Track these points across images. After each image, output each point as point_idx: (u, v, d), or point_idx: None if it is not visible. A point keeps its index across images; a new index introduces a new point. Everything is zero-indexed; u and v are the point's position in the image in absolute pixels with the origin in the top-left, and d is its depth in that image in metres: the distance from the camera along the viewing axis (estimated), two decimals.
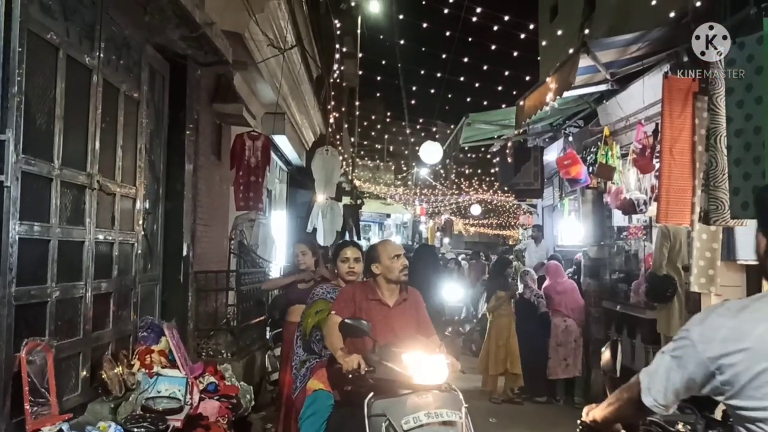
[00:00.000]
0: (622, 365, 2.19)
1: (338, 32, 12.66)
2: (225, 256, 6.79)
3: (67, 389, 3.69)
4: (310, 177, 10.13)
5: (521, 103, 6.91)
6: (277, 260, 8.86)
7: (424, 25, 12.23)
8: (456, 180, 26.90)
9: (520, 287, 7.88)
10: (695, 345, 1.54)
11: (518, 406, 7.35)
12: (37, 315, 3.40)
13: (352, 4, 14.46)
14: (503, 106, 9.81)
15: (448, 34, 12.19)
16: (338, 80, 14.02)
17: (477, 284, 11.64)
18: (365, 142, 27.48)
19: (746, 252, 4.54)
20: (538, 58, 13.21)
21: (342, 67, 14.33)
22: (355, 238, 13.50)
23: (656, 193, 5.05)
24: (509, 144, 10.24)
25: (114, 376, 3.94)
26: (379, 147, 30.51)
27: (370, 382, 3.03)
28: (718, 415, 2.26)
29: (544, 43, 12.35)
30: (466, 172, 26.15)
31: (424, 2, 12.14)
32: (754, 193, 3.58)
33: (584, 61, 5.55)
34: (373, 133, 27.56)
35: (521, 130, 9.49)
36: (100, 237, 4.04)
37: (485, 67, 12.50)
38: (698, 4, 5.03)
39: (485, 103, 12.72)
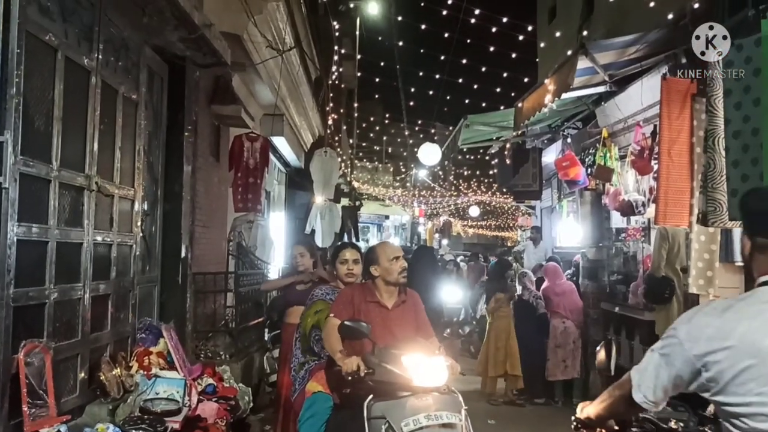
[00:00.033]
0: (620, 366, 2.19)
1: (337, 34, 12.67)
2: (223, 257, 6.79)
3: (65, 391, 3.68)
4: (309, 178, 10.13)
5: (520, 104, 6.91)
6: (276, 262, 8.85)
7: (423, 26, 12.23)
8: (454, 181, 26.92)
9: (519, 289, 7.88)
10: (682, 343, 1.61)
11: (517, 407, 7.35)
12: (36, 316, 3.40)
13: (351, 5, 14.48)
14: (502, 107, 9.83)
15: (446, 35, 12.20)
16: (337, 82, 14.02)
17: (476, 286, 11.63)
18: (364, 144, 27.50)
19: None
20: (537, 59, 13.23)
21: (341, 69, 14.34)
22: (354, 240, 13.49)
23: (654, 195, 5.06)
24: (508, 145, 10.24)
25: (112, 378, 3.94)
26: (377, 148, 30.54)
27: (369, 385, 3.02)
28: (710, 412, 2.28)
29: (542, 44, 12.37)
30: (465, 173, 26.17)
31: (422, 4, 12.16)
32: None
33: (583, 63, 5.55)
34: (371, 135, 27.58)
35: (520, 132, 9.50)
36: (99, 238, 4.04)
37: (484, 69, 12.51)
38: (696, 5, 5.04)
39: (484, 104, 12.73)
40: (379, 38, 15.88)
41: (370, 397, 2.99)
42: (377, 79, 16.21)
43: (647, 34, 5.43)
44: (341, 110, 15.02)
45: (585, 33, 9.01)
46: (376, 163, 30.60)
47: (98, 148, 3.96)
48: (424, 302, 3.79)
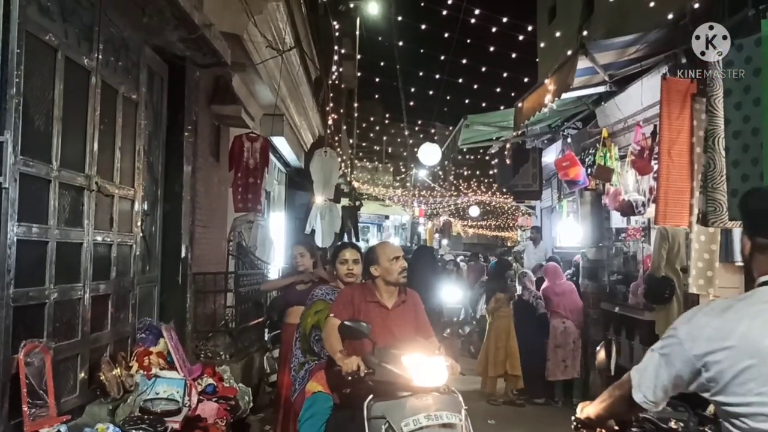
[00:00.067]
0: (620, 366, 2.20)
1: (337, 34, 12.67)
2: (223, 257, 6.79)
3: (65, 391, 3.68)
4: (309, 178, 10.13)
5: (520, 104, 6.91)
6: (276, 262, 8.85)
7: (423, 26, 12.23)
8: (454, 181, 26.93)
9: (519, 289, 7.88)
10: (682, 343, 1.61)
11: (517, 407, 7.35)
12: (36, 316, 3.40)
13: (351, 5, 14.48)
14: (502, 107, 9.83)
15: (446, 35, 12.20)
16: (337, 82, 14.03)
17: (475, 286, 11.63)
18: (364, 144, 27.51)
19: None
20: (537, 59, 13.23)
21: (341, 69, 14.34)
22: (354, 240, 13.49)
23: (654, 195, 5.06)
24: (508, 145, 10.25)
25: (112, 378, 3.94)
26: (377, 148, 30.55)
27: (369, 385, 3.02)
28: (710, 412, 2.28)
29: (542, 44, 12.37)
30: (465, 173, 26.17)
31: (422, 4, 12.16)
32: None
33: (583, 63, 5.55)
34: (371, 135, 27.59)
35: (520, 132, 9.50)
36: (99, 238, 4.04)
37: (484, 69, 12.52)
38: (696, 5, 5.03)
39: (484, 104, 12.73)
40: (379, 38, 15.91)
41: (370, 397, 2.98)
42: (377, 79, 16.23)
43: (647, 34, 5.43)
44: (341, 110, 15.02)
45: (585, 33, 9.01)
46: (376, 163, 30.61)
47: (98, 148, 3.96)
48: (424, 302, 3.79)
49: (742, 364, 1.51)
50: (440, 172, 28.65)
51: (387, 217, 31.48)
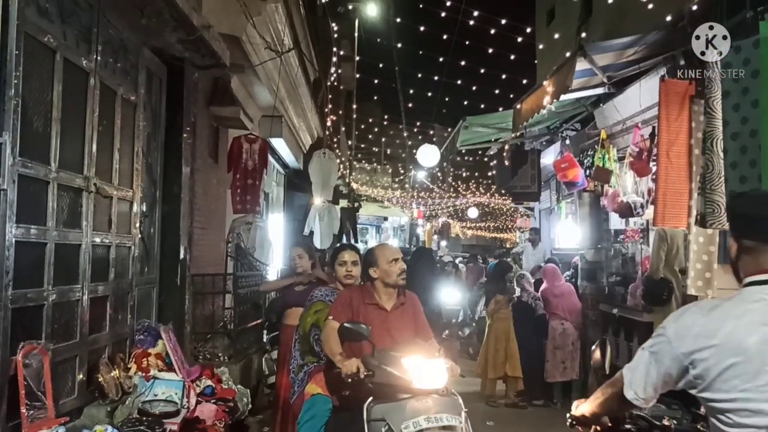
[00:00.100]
0: (617, 366, 2.20)
1: (336, 35, 12.67)
2: (222, 259, 6.78)
3: (63, 393, 3.68)
4: (308, 180, 10.13)
5: (518, 106, 6.91)
6: (274, 263, 8.84)
7: (422, 28, 12.23)
8: (453, 183, 26.90)
9: (517, 291, 7.88)
10: (671, 341, 1.67)
11: (516, 409, 7.34)
12: (34, 318, 3.39)
13: (350, 7, 14.49)
14: (500, 109, 9.82)
15: (445, 37, 12.20)
16: (336, 83, 14.03)
17: (474, 287, 11.62)
18: (362, 145, 27.50)
19: None
20: (535, 61, 13.25)
21: (339, 70, 14.34)
22: (353, 241, 13.49)
23: (653, 197, 5.06)
24: (506, 147, 10.25)
25: (111, 380, 3.93)
26: (376, 150, 30.53)
27: (369, 387, 3.01)
28: (703, 410, 2.30)
29: (541, 46, 12.39)
30: (464, 175, 26.16)
31: (421, 6, 12.16)
32: None
33: (581, 65, 5.56)
34: (370, 136, 27.56)
35: (518, 134, 9.50)
36: (97, 240, 4.04)
37: (482, 71, 12.50)
38: (695, 7, 5.04)
39: (482, 106, 12.72)
40: (378, 40, 15.86)
41: (370, 399, 2.98)
42: (376, 81, 16.19)
43: (646, 35, 5.43)
44: (340, 112, 15.03)
45: (583, 35, 9.02)
46: (375, 164, 30.60)
47: (97, 150, 3.96)
48: (423, 304, 3.79)
49: (727, 362, 1.57)
50: (439, 174, 28.62)
51: (386, 219, 31.50)
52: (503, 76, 11.99)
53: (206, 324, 6.09)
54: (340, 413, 3.30)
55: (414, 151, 15.07)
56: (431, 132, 22.52)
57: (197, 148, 5.70)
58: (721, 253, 4.68)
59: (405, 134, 25.53)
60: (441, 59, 14.26)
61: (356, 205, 16.79)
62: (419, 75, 20.06)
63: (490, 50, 10.67)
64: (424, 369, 3.01)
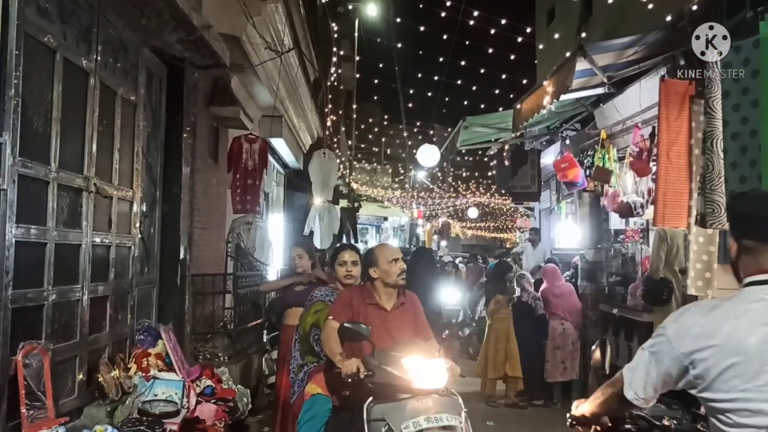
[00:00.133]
0: (617, 367, 2.21)
1: (336, 35, 12.67)
2: (222, 259, 6.78)
3: (63, 393, 3.68)
4: (308, 180, 10.13)
5: (518, 106, 6.91)
6: (274, 263, 8.84)
7: (422, 28, 12.23)
8: (453, 183, 26.90)
9: (517, 291, 7.88)
10: (671, 341, 1.67)
11: (515, 409, 7.34)
12: (34, 318, 3.39)
13: (350, 7, 14.49)
14: (500, 109, 9.82)
15: (445, 37, 12.20)
16: (336, 83, 14.03)
17: (474, 287, 11.62)
18: (362, 145, 27.50)
19: None
20: (535, 61, 13.25)
21: (339, 70, 14.34)
22: (353, 241, 13.49)
23: (653, 197, 5.06)
24: (506, 147, 10.25)
25: (111, 380, 3.93)
26: (376, 150, 30.53)
27: (369, 387, 3.01)
28: (703, 411, 2.30)
29: (541, 46, 12.39)
30: (464, 175, 26.16)
31: (421, 6, 12.16)
32: None
33: (581, 65, 5.56)
34: (370, 136, 27.56)
35: (518, 134, 9.50)
36: (97, 240, 4.04)
37: (482, 71, 12.51)
38: (695, 7, 5.04)
39: (482, 106, 12.72)
40: (378, 40, 15.86)
41: (370, 399, 2.98)
42: (376, 81, 16.18)
43: (646, 35, 5.43)
44: (340, 112, 15.02)
45: (583, 35, 9.02)
46: (375, 164, 30.61)
47: (97, 150, 3.96)
48: (423, 304, 3.78)
49: (727, 362, 1.57)
50: (439, 174, 28.63)
51: (386, 219, 31.49)
52: (503, 76, 11.99)
53: (206, 324, 6.09)
54: (340, 413, 3.30)
55: (414, 151, 15.08)
56: (431, 132, 22.53)
57: (197, 148, 5.70)
58: (721, 253, 4.68)
59: (405, 134, 25.54)
60: (441, 59, 14.26)
61: (356, 205, 16.79)
62: (419, 75, 20.07)
63: (490, 50, 10.68)
64: (424, 369, 3.01)
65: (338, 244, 8.51)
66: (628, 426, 2.13)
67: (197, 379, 4.50)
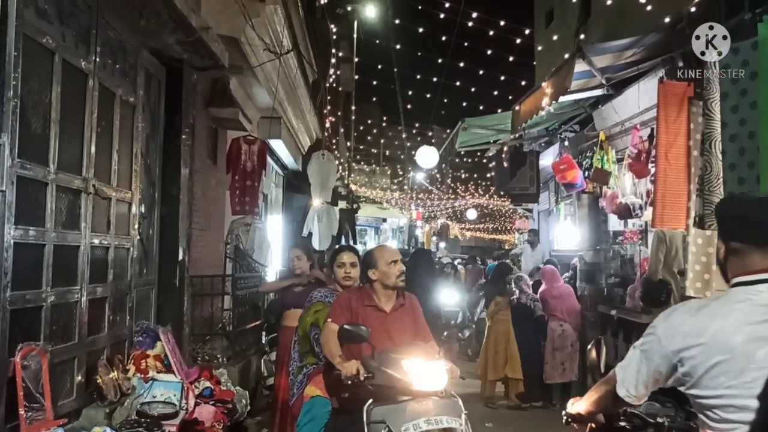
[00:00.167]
0: (613, 366, 2.21)
1: (334, 37, 12.67)
2: (221, 260, 6.78)
3: (62, 394, 3.67)
4: (306, 181, 10.12)
5: (517, 107, 6.92)
6: (273, 264, 8.84)
7: (420, 29, 12.24)
8: (452, 184, 26.95)
9: (516, 292, 7.88)
10: (660, 340, 1.74)
11: (515, 411, 7.34)
12: (32, 319, 3.39)
13: (348, 8, 14.50)
14: (499, 110, 9.83)
15: (444, 38, 12.23)
16: (334, 85, 14.03)
17: (473, 289, 11.62)
18: (361, 147, 27.53)
19: None
20: (534, 63, 13.26)
21: (338, 72, 14.34)
22: (351, 243, 13.48)
23: (652, 198, 5.06)
24: (505, 148, 10.27)
25: (109, 381, 3.93)
26: (375, 151, 30.57)
27: (368, 389, 3.01)
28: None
29: (539, 48, 12.41)
30: (462, 176, 26.21)
31: (420, 7, 12.18)
32: None
33: (580, 66, 5.57)
34: (369, 138, 27.60)
35: (517, 135, 9.52)
36: (96, 241, 4.03)
37: (481, 72, 12.53)
38: (693, 9, 5.05)
39: (481, 107, 12.76)
40: (377, 41, 15.89)
41: (370, 401, 2.97)
42: (375, 82, 16.24)
43: (644, 37, 5.44)
44: (339, 113, 15.02)
45: (582, 36, 9.03)
46: (374, 165, 30.63)
47: (95, 151, 3.96)
48: (422, 305, 3.78)
49: (713, 360, 1.63)
50: (438, 175, 28.67)
51: (384, 220, 31.50)
52: (502, 78, 12.05)
53: (205, 325, 6.09)
54: (340, 415, 3.30)
55: (413, 152, 15.10)
56: (430, 133, 22.55)
57: (196, 149, 5.70)
58: None
59: (404, 135, 25.55)
60: (440, 61, 14.27)
61: (355, 206, 16.79)
62: (418, 76, 20.18)
63: (489, 52, 10.70)
64: (423, 371, 3.00)
65: (337, 246, 8.50)
66: (622, 423, 2.18)
67: (196, 381, 4.49)
